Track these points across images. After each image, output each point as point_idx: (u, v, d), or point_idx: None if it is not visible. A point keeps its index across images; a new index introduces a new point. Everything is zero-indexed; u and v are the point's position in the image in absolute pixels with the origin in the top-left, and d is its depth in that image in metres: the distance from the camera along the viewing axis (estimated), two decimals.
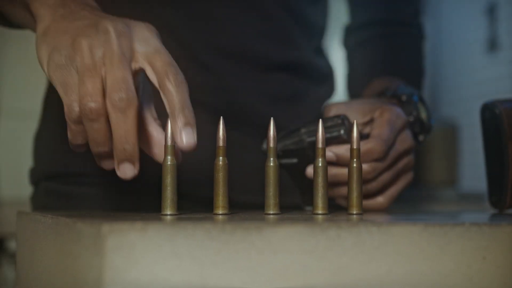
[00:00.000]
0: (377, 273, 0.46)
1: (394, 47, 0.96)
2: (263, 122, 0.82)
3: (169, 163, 0.58)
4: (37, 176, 0.85)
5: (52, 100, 0.85)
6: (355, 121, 0.63)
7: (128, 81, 0.56)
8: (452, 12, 2.38)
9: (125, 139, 0.56)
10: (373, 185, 0.73)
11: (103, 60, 0.56)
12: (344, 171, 0.71)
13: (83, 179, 0.80)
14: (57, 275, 0.53)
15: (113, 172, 0.60)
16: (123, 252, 0.43)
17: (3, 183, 1.78)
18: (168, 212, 0.57)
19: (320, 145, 0.61)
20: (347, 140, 0.71)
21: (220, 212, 0.59)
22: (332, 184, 0.72)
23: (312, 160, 0.70)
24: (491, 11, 2.14)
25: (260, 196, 0.67)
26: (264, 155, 0.63)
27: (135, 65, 0.58)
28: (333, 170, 0.71)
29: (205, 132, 0.71)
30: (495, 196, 0.73)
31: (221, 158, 0.60)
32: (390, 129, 0.72)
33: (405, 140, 0.75)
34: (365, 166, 0.71)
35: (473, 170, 2.14)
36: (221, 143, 0.60)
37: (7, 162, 1.75)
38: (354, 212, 0.61)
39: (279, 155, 0.72)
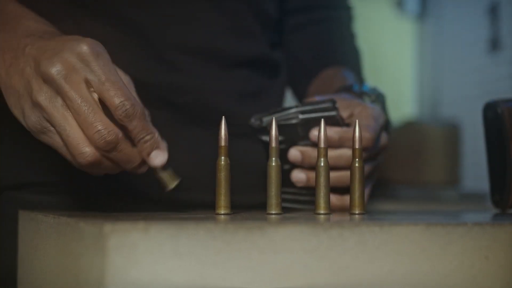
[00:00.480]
0: (379, 272, 0.46)
1: (332, 32, 0.95)
2: (230, 120, 0.81)
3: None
4: None
5: (7, 112, 0.82)
6: (356, 121, 0.63)
7: (123, 91, 0.58)
8: (454, 11, 2.37)
9: (143, 132, 0.59)
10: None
11: (71, 105, 0.58)
12: (333, 153, 0.69)
13: (49, 188, 0.78)
14: (59, 274, 0.53)
15: (79, 178, 0.65)
16: (125, 252, 0.43)
17: None
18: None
19: (322, 144, 0.61)
20: (340, 122, 0.70)
21: (222, 212, 0.59)
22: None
23: (299, 141, 0.69)
24: (493, 11, 2.13)
25: (238, 194, 0.67)
26: (254, 132, 0.63)
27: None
28: (297, 174, 0.70)
29: (173, 132, 0.71)
30: (497, 196, 0.73)
31: (223, 158, 0.60)
32: (376, 123, 0.72)
33: (384, 138, 0.75)
34: (349, 151, 0.69)
35: (475, 170, 2.14)
36: (223, 142, 0.60)
37: None
38: (357, 212, 0.61)
39: (264, 131, 0.69)
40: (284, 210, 0.62)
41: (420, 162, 1.98)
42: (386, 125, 0.78)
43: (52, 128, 0.59)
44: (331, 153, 0.68)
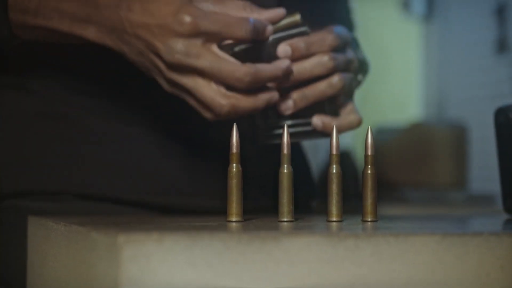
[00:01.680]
0: (396, 283, 0.46)
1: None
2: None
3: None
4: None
5: (3, 114, 0.81)
6: (369, 127, 0.62)
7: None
8: (460, 12, 2.37)
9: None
10: (337, 82, 0.70)
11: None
12: (307, 63, 0.68)
13: (53, 196, 0.77)
14: (71, 283, 0.53)
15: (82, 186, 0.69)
16: (139, 263, 0.42)
17: None
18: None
19: (334, 151, 0.61)
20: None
21: (234, 219, 0.58)
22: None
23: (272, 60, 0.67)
24: (500, 12, 2.13)
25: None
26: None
27: None
28: (295, 67, 0.68)
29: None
30: (510, 202, 0.72)
31: (234, 164, 0.59)
32: (337, 31, 0.71)
33: (353, 55, 0.73)
34: (324, 56, 0.68)
35: (483, 172, 2.13)
36: (234, 149, 0.59)
37: None
38: (369, 219, 0.61)
39: (234, 54, 0.66)
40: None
41: (427, 164, 1.97)
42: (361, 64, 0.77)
43: (185, 93, 0.65)
44: (306, 63, 0.68)
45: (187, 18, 0.62)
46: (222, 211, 0.64)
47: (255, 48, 0.67)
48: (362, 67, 0.78)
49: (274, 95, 0.67)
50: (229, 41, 0.66)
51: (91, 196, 0.76)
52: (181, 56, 0.63)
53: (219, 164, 0.75)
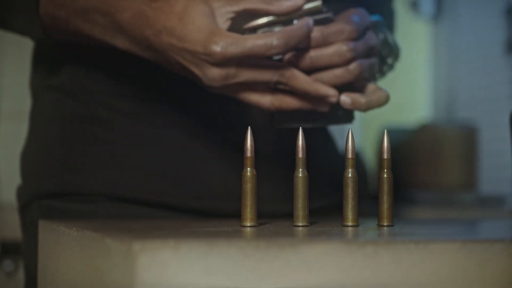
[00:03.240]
0: None
1: None
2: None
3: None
4: (31, 195, 0.79)
5: (41, 114, 0.82)
6: (385, 131, 0.61)
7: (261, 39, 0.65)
8: (469, 13, 2.35)
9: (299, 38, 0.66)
10: (354, 68, 0.69)
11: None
12: (325, 51, 0.68)
13: (88, 198, 0.77)
14: None
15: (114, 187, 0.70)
16: (155, 270, 0.42)
17: (4, 186, 1.77)
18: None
19: (350, 155, 0.60)
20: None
21: (248, 224, 0.58)
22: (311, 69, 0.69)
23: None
24: (510, 12, 2.11)
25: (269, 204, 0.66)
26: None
27: None
28: (313, 53, 0.68)
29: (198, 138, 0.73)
30: None
31: (249, 169, 0.58)
32: (359, 16, 0.70)
33: (374, 38, 0.72)
34: (342, 46, 0.68)
35: (493, 173, 2.11)
36: (248, 153, 0.59)
37: (7, 165, 1.73)
38: (385, 224, 0.60)
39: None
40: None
41: (437, 165, 1.96)
42: (382, 46, 0.75)
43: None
44: (324, 51, 0.68)
45: (216, 49, 0.63)
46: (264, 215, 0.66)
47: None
48: (392, 51, 0.77)
49: (333, 94, 0.68)
50: (258, 22, 0.68)
51: (122, 198, 0.76)
52: (219, 83, 0.65)
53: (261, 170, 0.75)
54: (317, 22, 0.68)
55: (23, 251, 0.83)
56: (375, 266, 0.44)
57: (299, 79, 0.67)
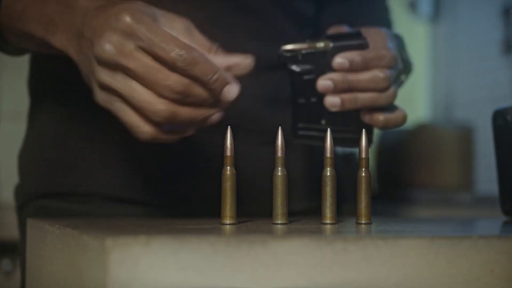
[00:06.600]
0: (384, 286, 0.46)
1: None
2: (261, 127, 0.80)
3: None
4: (27, 195, 0.80)
5: (39, 115, 0.82)
6: (363, 130, 0.62)
7: (175, 42, 0.60)
8: (467, 13, 2.36)
9: (209, 73, 0.60)
10: (390, 95, 0.70)
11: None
12: (363, 76, 0.69)
13: (84, 198, 0.78)
14: (65, 286, 0.53)
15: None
16: (127, 266, 0.43)
17: (3, 186, 1.78)
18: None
19: (328, 154, 0.61)
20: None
21: (228, 222, 0.59)
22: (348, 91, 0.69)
23: (329, 71, 0.69)
24: (507, 13, 2.12)
25: (261, 204, 0.67)
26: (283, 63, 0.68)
27: None
28: (351, 77, 0.69)
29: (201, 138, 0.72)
30: (508, 204, 0.72)
31: (228, 168, 0.59)
32: (391, 42, 0.72)
33: (399, 61, 0.73)
34: (379, 73, 0.69)
35: (489, 173, 2.12)
36: (228, 152, 0.60)
37: (7, 165, 1.75)
38: (363, 222, 0.61)
39: (294, 60, 0.69)
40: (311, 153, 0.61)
41: (434, 165, 1.96)
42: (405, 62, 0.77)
43: (118, 101, 0.62)
44: (361, 76, 0.68)
45: (127, 18, 0.60)
46: (264, 214, 0.67)
47: (312, 55, 0.69)
48: (406, 68, 0.78)
49: (216, 114, 0.64)
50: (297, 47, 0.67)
51: (118, 198, 0.77)
52: (112, 52, 0.60)
53: (256, 169, 0.76)
54: (355, 47, 0.69)
55: (20, 251, 0.84)
56: (344, 262, 0.45)
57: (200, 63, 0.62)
